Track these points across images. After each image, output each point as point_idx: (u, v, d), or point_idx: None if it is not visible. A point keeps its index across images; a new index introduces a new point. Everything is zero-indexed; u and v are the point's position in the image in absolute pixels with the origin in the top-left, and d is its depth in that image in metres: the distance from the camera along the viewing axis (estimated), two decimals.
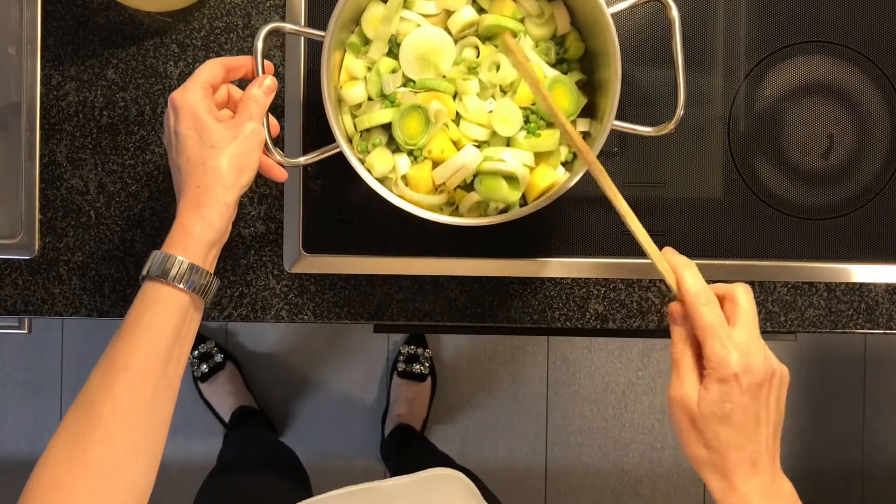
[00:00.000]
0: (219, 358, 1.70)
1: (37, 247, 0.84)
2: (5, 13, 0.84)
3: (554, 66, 0.75)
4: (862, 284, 0.85)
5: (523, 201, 0.74)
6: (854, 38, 0.84)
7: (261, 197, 0.85)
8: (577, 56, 0.77)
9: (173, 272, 0.61)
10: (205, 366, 1.69)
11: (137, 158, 0.84)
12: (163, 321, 0.61)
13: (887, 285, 0.85)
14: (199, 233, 0.62)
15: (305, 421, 1.75)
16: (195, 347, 1.72)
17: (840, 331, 0.85)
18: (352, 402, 1.76)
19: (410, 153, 0.73)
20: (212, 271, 0.64)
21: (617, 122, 0.71)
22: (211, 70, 0.67)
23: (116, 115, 0.84)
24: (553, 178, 0.73)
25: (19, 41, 0.84)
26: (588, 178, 0.70)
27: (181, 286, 0.61)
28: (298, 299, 0.85)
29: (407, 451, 1.62)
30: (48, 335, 1.76)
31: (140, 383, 0.59)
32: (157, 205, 0.85)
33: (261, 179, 0.84)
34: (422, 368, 1.70)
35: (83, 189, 0.84)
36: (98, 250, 0.85)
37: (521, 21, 0.75)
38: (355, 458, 1.75)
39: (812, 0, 0.83)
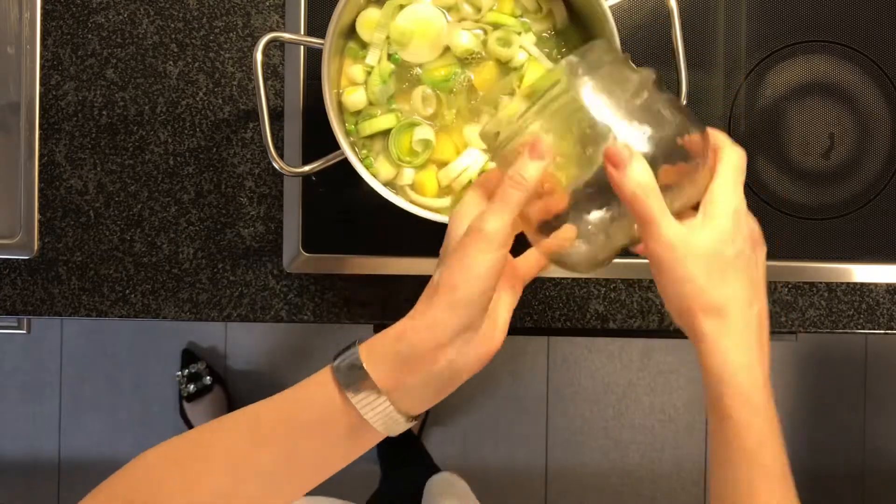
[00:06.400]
0: (208, 380, 1.69)
1: (36, 247, 0.84)
2: (4, 12, 0.84)
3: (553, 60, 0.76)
4: (863, 284, 0.84)
5: None
6: (855, 38, 0.84)
7: (260, 197, 0.84)
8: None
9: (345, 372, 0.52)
10: (192, 386, 1.68)
11: (136, 158, 0.84)
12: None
13: (888, 285, 0.85)
14: (391, 352, 0.52)
15: None
16: (185, 366, 1.71)
17: (841, 331, 0.85)
18: None
19: None
20: (406, 415, 0.53)
21: None
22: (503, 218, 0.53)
23: (115, 115, 0.84)
24: None
25: (18, 40, 0.84)
26: None
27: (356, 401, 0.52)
28: (298, 299, 0.85)
29: (397, 457, 1.60)
30: (47, 335, 1.75)
31: (258, 449, 0.53)
32: (157, 205, 0.84)
33: (260, 179, 0.84)
34: None
35: (82, 189, 0.84)
36: (97, 250, 0.84)
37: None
38: (354, 461, 1.75)
39: None
